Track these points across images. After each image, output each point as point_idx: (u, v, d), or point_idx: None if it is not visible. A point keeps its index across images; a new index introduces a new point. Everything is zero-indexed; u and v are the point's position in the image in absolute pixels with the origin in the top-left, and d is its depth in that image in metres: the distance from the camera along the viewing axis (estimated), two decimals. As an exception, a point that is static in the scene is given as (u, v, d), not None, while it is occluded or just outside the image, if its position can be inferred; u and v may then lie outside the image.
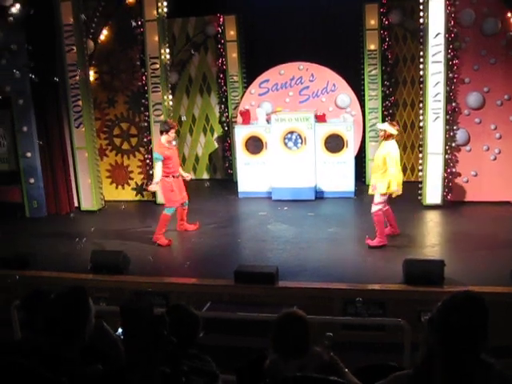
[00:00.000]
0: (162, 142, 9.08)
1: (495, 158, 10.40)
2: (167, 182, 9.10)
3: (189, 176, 9.67)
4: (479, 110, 10.31)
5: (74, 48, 10.81)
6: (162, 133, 9.11)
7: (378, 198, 8.37)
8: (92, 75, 11.44)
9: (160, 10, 10.95)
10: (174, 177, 9.13)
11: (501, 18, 9.96)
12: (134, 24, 10.93)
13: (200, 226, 9.77)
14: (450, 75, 10.15)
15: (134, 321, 3.08)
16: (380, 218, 8.45)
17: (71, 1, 10.67)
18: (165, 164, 8.98)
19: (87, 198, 11.41)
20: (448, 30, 9.94)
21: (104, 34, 11.37)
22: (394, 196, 8.46)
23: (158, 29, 10.93)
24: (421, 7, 10.16)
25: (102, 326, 3.40)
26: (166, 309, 3.64)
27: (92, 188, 11.35)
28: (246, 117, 12.05)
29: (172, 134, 9.09)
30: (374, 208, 8.42)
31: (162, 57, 11.09)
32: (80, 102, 11.02)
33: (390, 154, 8.17)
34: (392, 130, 8.27)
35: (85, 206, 11.43)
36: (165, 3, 11.05)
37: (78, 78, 10.89)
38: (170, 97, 11.56)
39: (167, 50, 11.31)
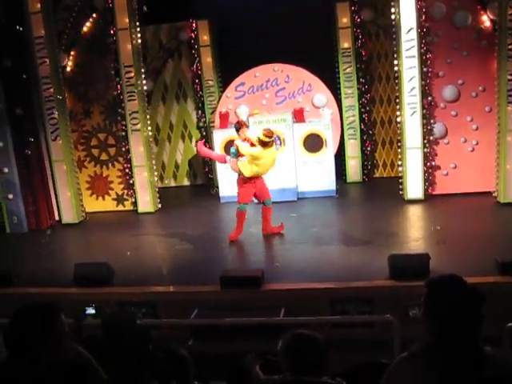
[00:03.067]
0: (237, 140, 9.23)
1: (473, 150, 10.48)
2: (240, 178, 9.15)
3: None
4: (455, 102, 10.40)
5: (47, 60, 10.70)
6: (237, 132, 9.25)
7: None
8: (66, 86, 11.33)
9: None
10: None
11: (471, 10, 10.06)
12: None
13: (283, 227, 9.48)
14: (425, 69, 10.22)
15: (116, 334, 3.00)
16: None
17: (42, 13, 10.56)
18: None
19: (68, 211, 11.28)
20: (420, 25, 10.01)
21: (76, 45, 11.29)
22: None
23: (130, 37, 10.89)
24: (392, 3, 10.21)
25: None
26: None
27: (72, 200, 11.23)
28: (225, 120, 12.03)
29: (241, 132, 9.22)
30: None
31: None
32: (55, 115, 10.91)
33: None
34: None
35: (66, 219, 11.30)
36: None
37: (51, 90, 10.78)
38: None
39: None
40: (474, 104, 10.34)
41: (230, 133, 11.69)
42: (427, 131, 10.39)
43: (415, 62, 10.10)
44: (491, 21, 9.91)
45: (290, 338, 3.28)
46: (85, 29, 11.21)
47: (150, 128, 11.77)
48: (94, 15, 11.16)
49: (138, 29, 11.22)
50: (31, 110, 10.95)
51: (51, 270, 8.51)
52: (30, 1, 10.51)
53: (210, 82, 13.23)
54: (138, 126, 11.16)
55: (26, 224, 11.03)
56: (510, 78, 9.53)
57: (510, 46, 9.42)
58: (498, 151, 9.96)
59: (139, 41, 11.31)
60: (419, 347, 2.61)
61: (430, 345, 2.57)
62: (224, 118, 12.07)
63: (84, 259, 8.46)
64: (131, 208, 11.72)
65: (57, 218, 11.45)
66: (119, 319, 3.15)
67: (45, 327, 2.85)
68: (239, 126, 9.24)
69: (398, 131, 10.82)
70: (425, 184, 10.54)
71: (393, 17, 10.27)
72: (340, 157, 12.34)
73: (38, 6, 10.53)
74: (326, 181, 11.44)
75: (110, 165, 11.82)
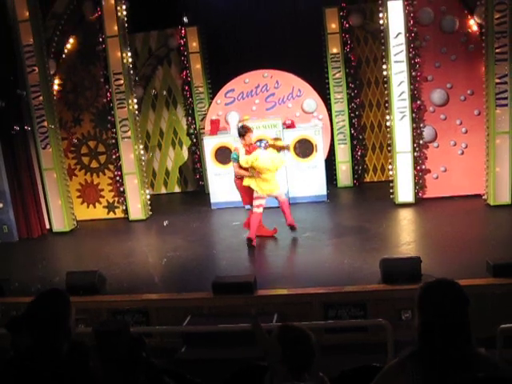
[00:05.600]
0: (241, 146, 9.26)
1: (462, 153, 10.54)
2: (240, 180, 9.21)
3: None
4: (444, 106, 10.46)
5: (36, 68, 10.67)
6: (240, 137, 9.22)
7: None
8: (56, 95, 11.31)
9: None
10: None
11: (458, 15, 10.14)
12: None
13: (276, 231, 9.53)
14: (413, 74, 10.27)
15: (108, 344, 2.98)
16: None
17: (30, 21, 10.53)
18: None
19: (58, 219, 11.23)
20: (408, 30, 10.07)
21: (65, 53, 11.28)
22: None
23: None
24: (380, 8, 10.27)
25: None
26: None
27: (63, 209, 11.18)
28: (215, 126, 12.04)
29: (246, 138, 9.20)
30: None
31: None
32: (45, 123, 10.87)
33: None
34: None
35: (57, 227, 11.24)
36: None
37: (41, 98, 10.75)
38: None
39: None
40: (463, 107, 10.40)
41: (220, 139, 11.73)
42: (417, 135, 10.44)
43: (404, 66, 10.15)
44: (478, 25, 9.99)
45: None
46: (74, 36, 11.20)
47: (139, 135, 11.76)
48: (83, 23, 11.15)
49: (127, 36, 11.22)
50: (21, 118, 10.90)
51: (43, 278, 8.46)
52: (18, 9, 10.48)
53: (199, 88, 13.24)
54: (129, 134, 11.13)
55: (17, 233, 10.96)
56: (497, 81, 9.60)
57: (497, 50, 9.50)
58: (488, 154, 10.02)
59: (128, 48, 11.32)
60: (410, 352, 2.62)
61: (421, 349, 2.59)
62: (215, 124, 12.07)
63: (75, 267, 8.43)
64: (122, 215, 11.69)
65: (47, 226, 11.39)
66: (111, 327, 3.12)
67: (63, 304, 3.14)
68: (245, 130, 9.13)
69: (388, 135, 10.86)
70: (415, 188, 10.58)
71: (381, 22, 10.33)
72: (331, 162, 12.36)
73: (27, 14, 10.48)
74: (316, 186, 11.46)
75: (100, 173, 11.79)
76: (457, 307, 2.56)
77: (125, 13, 11.07)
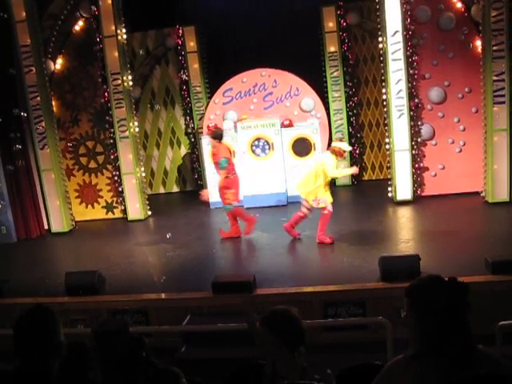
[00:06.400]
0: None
1: (461, 150, 10.55)
2: (226, 180, 9.39)
3: None
4: (441, 104, 10.47)
5: (33, 69, 10.66)
6: (220, 139, 9.36)
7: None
8: (53, 95, 11.30)
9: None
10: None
11: (455, 13, 10.14)
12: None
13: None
14: (411, 72, 10.28)
15: (108, 344, 2.96)
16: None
17: (27, 21, 10.53)
18: (230, 164, 9.30)
19: (57, 219, 11.22)
20: (405, 28, 10.08)
21: (63, 53, 11.27)
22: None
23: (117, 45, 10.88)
24: (377, 7, 10.27)
25: None
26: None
27: (61, 209, 11.17)
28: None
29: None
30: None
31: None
32: (43, 123, 10.87)
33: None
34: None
35: (55, 228, 11.23)
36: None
37: (39, 98, 10.74)
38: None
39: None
40: (461, 105, 10.41)
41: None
42: (415, 133, 10.45)
43: (401, 64, 10.16)
44: (475, 23, 9.99)
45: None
46: (71, 36, 11.19)
47: (138, 135, 11.77)
48: (81, 23, 11.15)
49: (125, 36, 11.21)
50: (19, 119, 10.90)
51: (42, 279, 8.46)
52: (14, 9, 10.48)
53: (197, 88, 13.24)
54: (127, 134, 11.12)
55: (15, 234, 10.95)
56: (495, 78, 9.61)
57: (494, 48, 9.51)
58: (485, 151, 10.04)
59: (126, 48, 11.32)
60: (414, 350, 2.62)
61: (423, 348, 2.58)
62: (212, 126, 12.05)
63: (75, 268, 8.43)
64: (121, 216, 11.69)
65: (46, 227, 11.38)
66: (111, 327, 3.11)
67: (48, 325, 3.02)
68: (222, 133, 9.45)
69: (386, 133, 10.86)
70: (414, 185, 10.59)
71: (378, 20, 10.33)
72: (329, 160, 12.34)
73: (23, 14, 10.49)
74: (315, 184, 11.44)
75: (98, 173, 11.79)
76: (450, 303, 2.55)
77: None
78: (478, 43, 9.96)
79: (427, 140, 10.59)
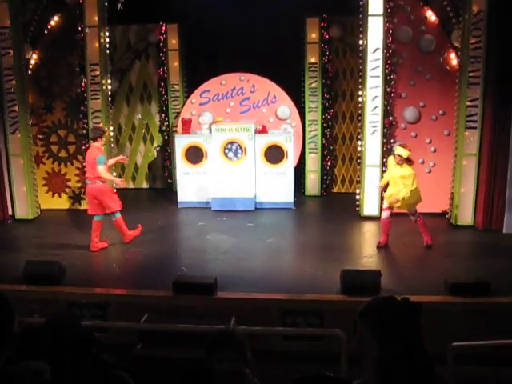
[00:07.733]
0: (99, 147, 9.10)
1: (430, 171, 10.69)
2: (108, 187, 9.25)
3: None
4: (415, 124, 10.61)
5: (11, 52, 10.51)
6: (96, 139, 9.09)
7: None
8: (29, 80, 11.15)
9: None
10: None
11: (436, 36, 10.29)
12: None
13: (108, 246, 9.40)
14: (388, 89, 10.40)
15: (58, 337, 2.92)
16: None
17: (7, 3, 10.38)
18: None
19: (22, 206, 11.05)
20: (386, 46, 10.20)
21: (42, 38, 11.13)
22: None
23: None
24: (360, 22, 10.37)
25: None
26: None
27: (27, 196, 11.01)
28: (187, 126, 12.00)
29: (103, 138, 9.31)
30: None
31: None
32: (16, 108, 10.71)
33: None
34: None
35: (19, 214, 11.07)
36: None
37: (14, 82, 10.59)
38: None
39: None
40: (434, 127, 10.57)
41: (192, 139, 11.70)
42: (387, 150, 10.56)
43: (379, 81, 10.28)
44: (454, 48, 10.16)
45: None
46: (52, 23, 11.06)
47: (111, 128, 11.68)
48: (64, 10, 11.02)
49: (107, 27, 11.14)
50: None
51: (2, 265, 8.34)
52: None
53: (175, 86, 13.19)
54: (100, 125, 11.03)
55: (-22, 217, 10.78)
56: (468, 103, 9.78)
57: (470, 74, 9.68)
58: (454, 174, 10.20)
59: (107, 39, 11.23)
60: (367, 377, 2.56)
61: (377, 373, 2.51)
62: (187, 123, 12.03)
63: (36, 256, 8.33)
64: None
65: (10, 212, 11.20)
66: (61, 320, 3.07)
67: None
68: (102, 132, 9.29)
69: (358, 148, 10.96)
70: (381, 202, 10.67)
71: (360, 36, 10.44)
72: (300, 170, 12.42)
73: (4, -5, 10.36)
74: (284, 192, 11.51)
75: (68, 162, 11.66)
76: (402, 325, 2.50)
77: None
78: (456, 68, 10.13)
79: (398, 158, 10.69)
